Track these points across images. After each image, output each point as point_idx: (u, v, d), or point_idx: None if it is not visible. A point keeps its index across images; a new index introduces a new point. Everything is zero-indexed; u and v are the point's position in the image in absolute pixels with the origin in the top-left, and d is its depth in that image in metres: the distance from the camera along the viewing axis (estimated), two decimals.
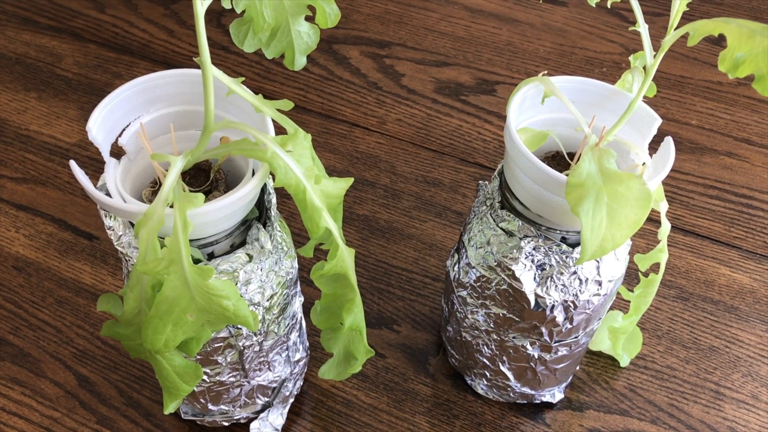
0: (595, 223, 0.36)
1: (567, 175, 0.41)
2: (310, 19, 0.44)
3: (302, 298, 0.47)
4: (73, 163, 0.35)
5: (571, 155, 0.43)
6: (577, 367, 0.53)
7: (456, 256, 0.48)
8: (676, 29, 0.39)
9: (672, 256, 0.61)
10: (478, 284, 0.45)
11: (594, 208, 0.35)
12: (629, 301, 0.54)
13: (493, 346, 0.47)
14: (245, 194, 0.35)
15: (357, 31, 0.82)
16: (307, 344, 0.51)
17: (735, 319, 0.57)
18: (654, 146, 0.41)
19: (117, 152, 0.39)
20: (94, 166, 0.67)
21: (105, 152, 0.38)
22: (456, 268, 0.47)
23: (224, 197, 0.35)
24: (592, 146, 0.37)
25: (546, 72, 0.44)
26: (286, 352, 0.46)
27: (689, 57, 0.80)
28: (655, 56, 0.40)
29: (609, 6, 0.45)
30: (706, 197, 0.66)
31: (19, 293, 0.57)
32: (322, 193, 0.37)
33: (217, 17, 0.84)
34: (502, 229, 0.42)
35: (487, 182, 0.46)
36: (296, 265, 0.43)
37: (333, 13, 0.44)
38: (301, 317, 0.47)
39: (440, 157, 0.69)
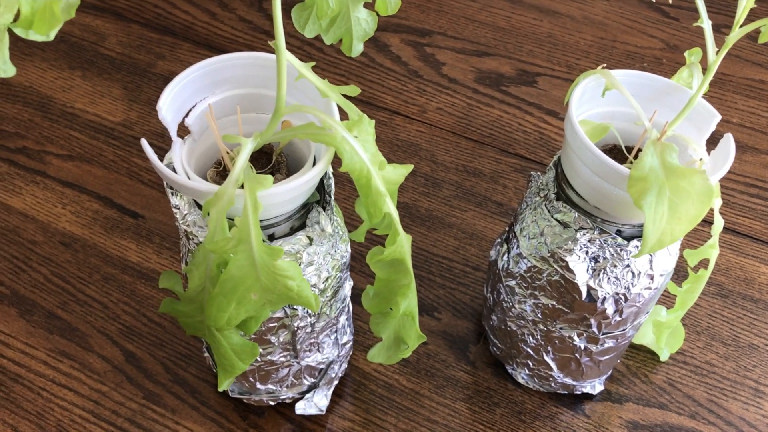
0: (657, 217, 0.36)
1: (629, 168, 0.41)
2: (368, 6, 0.44)
3: (352, 282, 0.47)
4: (144, 142, 0.36)
5: (629, 149, 0.43)
6: (619, 360, 0.53)
7: (505, 246, 0.48)
8: (741, 26, 0.39)
9: None
10: (529, 275, 0.45)
11: (656, 201, 0.36)
12: (673, 297, 0.54)
13: (538, 336, 0.48)
14: (313, 177, 0.36)
15: (397, 19, 0.83)
16: (353, 328, 0.51)
17: None
18: (708, 143, 0.41)
19: (180, 134, 0.40)
20: (138, 146, 0.68)
21: (173, 131, 0.38)
22: (505, 258, 0.47)
23: (293, 179, 0.36)
24: (654, 140, 0.38)
25: (605, 65, 0.44)
26: (335, 334, 0.47)
27: (731, 54, 0.79)
28: (717, 53, 0.40)
29: (655, 2, 0.45)
30: (746, 195, 0.66)
31: (66, 268, 0.58)
32: (384, 179, 0.38)
33: (259, 1, 0.84)
34: (557, 220, 0.43)
35: (540, 173, 0.46)
36: (349, 249, 0.44)
37: (393, 0, 0.44)
38: (349, 301, 0.48)
39: (481, 147, 0.70)
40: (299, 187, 0.36)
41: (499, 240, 0.52)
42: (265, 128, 0.37)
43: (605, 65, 0.44)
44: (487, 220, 0.63)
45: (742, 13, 0.39)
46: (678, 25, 0.83)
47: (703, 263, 0.47)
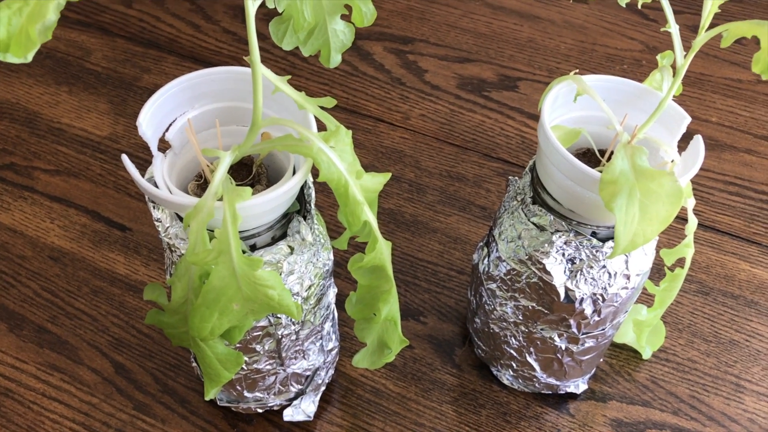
0: (628, 219, 0.37)
1: (600, 171, 0.42)
2: (345, 17, 0.45)
3: (336, 289, 0.48)
4: (125, 158, 0.37)
5: (602, 152, 0.44)
6: (601, 359, 0.54)
7: (485, 249, 0.49)
8: (707, 30, 0.40)
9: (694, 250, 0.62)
10: (508, 277, 0.46)
11: (627, 204, 0.37)
12: (653, 296, 0.55)
13: (520, 338, 0.48)
14: (291, 187, 0.37)
15: (380, 27, 0.84)
16: (339, 334, 0.52)
17: (755, 313, 0.58)
18: (681, 144, 0.42)
19: (162, 147, 0.40)
20: None
21: (153, 146, 0.39)
22: (486, 262, 0.48)
23: (271, 190, 0.36)
24: (624, 144, 0.39)
25: (577, 71, 0.45)
26: (320, 341, 0.47)
27: (709, 54, 0.81)
28: (685, 56, 0.41)
29: (640, 6, 0.46)
30: (726, 194, 0.67)
31: (55, 282, 0.59)
32: (362, 188, 0.38)
33: (242, 13, 0.85)
34: (533, 223, 0.43)
35: (517, 178, 0.47)
36: (332, 257, 0.45)
37: (369, 12, 0.45)
38: (334, 308, 0.49)
39: (464, 153, 0.71)
40: (277, 198, 0.37)
41: (481, 243, 0.53)
42: (243, 141, 0.37)
43: (577, 71, 0.45)
44: (470, 224, 0.64)
45: (707, 17, 0.40)
46: (657, 27, 0.84)
47: (680, 262, 0.47)
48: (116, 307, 0.58)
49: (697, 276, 0.61)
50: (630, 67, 0.79)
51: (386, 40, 0.82)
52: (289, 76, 0.38)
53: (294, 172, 0.40)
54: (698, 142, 0.41)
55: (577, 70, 0.46)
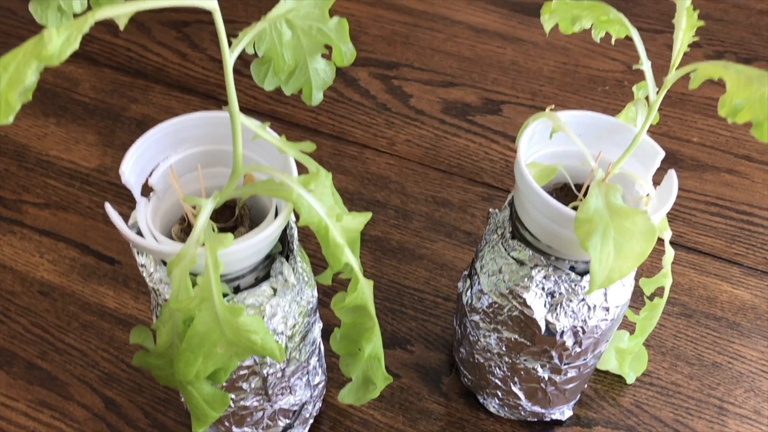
0: (603, 257, 0.38)
1: (575, 208, 0.43)
2: (326, 55, 0.46)
3: (321, 324, 0.49)
4: (108, 207, 0.37)
5: (579, 187, 0.45)
6: (585, 386, 0.55)
7: (468, 281, 0.50)
8: (677, 68, 0.41)
9: (675, 273, 0.63)
10: (491, 310, 0.47)
11: (602, 242, 0.37)
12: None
13: (504, 368, 0.49)
14: (271, 233, 0.37)
15: (365, 53, 0.84)
16: (325, 366, 0.53)
17: (737, 335, 0.59)
18: (659, 176, 0.43)
19: (145, 190, 0.41)
20: (113, 191, 0.69)
21: (136, 193, 0.40)
22: (469, 293, 0.49)
23: (251, 236, 0.37)
24: (598, 181, 0.39)
25: (553, 106, 0.46)
26: (307, 376, 0.48)
27: (689, 74, 0.82)
28: (658, 92, 0.42)
29: (613, 43, 0.47)
30: (707, 214, 0.68)
31: (45, 318, 0.60)
32: (343, 229, 0.39)
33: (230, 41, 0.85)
34: (513, 258, 0.44)
35: (497, 211, 0.48)
36: (316, 294, 0.45)
37: (349, 51, 0.46)
38: (320, 342, 0.49)
39: (449, 178, 0.71)
40: (258, 243, 0.37)
41: (465, 273, 0.54)
42: (225, 187, 0.38)
43: (553, 106, 0.46)
44: (456, 250, 0.65)
45: (677, 55, 0.41)
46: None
47: (659, 291, 0.48)
48: (106, 341, 0.58)
49: (679, 299, 0.62)
50: (612, 88, 0.81)
51: (371, 65, 0.83)
52: (269, 123, 0.39)
53: (276, 214, 0.41)
54: (671, 178, 0.41)
55: (553, 106, 0.46)
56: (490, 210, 0.48)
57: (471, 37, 0.87)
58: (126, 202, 0.68)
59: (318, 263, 0.62)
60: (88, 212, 0.67)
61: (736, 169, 0.72)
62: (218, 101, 0.78)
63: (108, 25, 0.88)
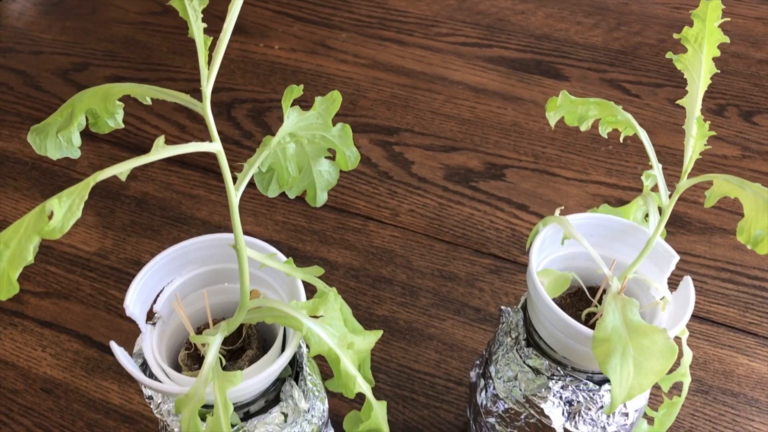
0: (623, 377, 0.37)
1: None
2: (330, 156, 0.45)
3: (332, 430, 0.47)
4: (114, 346, 0.36)
5: (592, 289, 0.44)
6: None
7: (482, 381, 0.48)
8: (689, 177, 0.40)
9: (690, 345, 0.62)
10: (507, 415, 0.45)
11: (621, 363, 0.36)
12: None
13: None
14: (280, 366, 0.36)
15: (365, 118, 0.84)
16: None
17: (756, 412, 0.58)
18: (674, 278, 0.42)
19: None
20: (114, 276, 0.68)
21: (141, 323, 0.39)
22: (483, 395, 0.48)
23: (260, 370, 0.36)
24: (615, 294, 0.38)
25: (562, 207, 0.45)
26: None
27: None
28: (670, 197, 0.41)
29: (621, 140, 0.46)
30: (719, 281, 0.67)
31: (49, 417, 0.58)
32: (354, 353, 0.38)
33: (228, 110, 0.85)
34: (529, 366, 0.43)
35: (510, 309, 0.47)
36: (327, 405, 0.44)
37: (353, 155, 0.45)
38: None
39: (454, 249, 0.70)
40: (269, 376, 0.36)
41: (478, 362, 0.53)
42: (232, 320, 0.37)
43: (563, 207, 0.45)
44: (466, 328, 0.64)
45: (689, 162, 0.40)
46: (640, 102, 0.84)
47: (678, 384, 0.47)
48: None
49: (695, 373, 0.60)
50: (615, 148, 0.80)
51: (372, 131, 0.82)
52: (276, 252, 0.38)
53: (284, 336, 0.40)
54: (688, 285, 0.41)
55: (563, 207, 0.46)
56: (502, 308, 0.47)
57: (470, 97, 0.86)
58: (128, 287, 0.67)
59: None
60: (90, 300, 0.66)
61: None
62: (220, 175, 0.78)
63: None
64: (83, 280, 0.68)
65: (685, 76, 0.41)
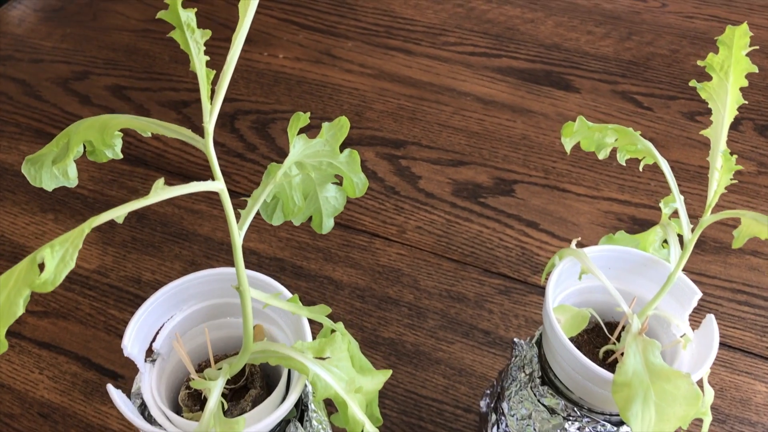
0: (645, 424, 0.35)
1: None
2: (337, 182, 0.43)
3: None
4: (111, 389, 0.35)
5: (610, 324, 0.42)
6: None
7: (494, 415, 0.47)
8: (713, 212, 0.38)
9: None
10: None
11: (642, 409, 0.35)
12: None
13: None
14: (284, 411, 0.35)
15: (371, 130, 0.82)
16: None
17: None
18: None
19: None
20: (114, 295, 0.67)
21: (140, 362, 0.37)
22: (495, 431, 0.46)
23: (263, 415, 0.34)
24: (635, 335, 0.37)
25: (578, 239, 0.43)
26: None
27: (706, 145, 0.79)
28: (693, 230, 0.40)
29: (623, 163, 0.45)
30: (734, 303, 0.65)
31: None
32: (363, 395, 0.36)
33: (231, 121, 0.83)
34: (544, 405, 0.41)
35: (523, 343, 0.45)
36: None
37: (361, 182, 0.43)
38: None
39: (463, 268, 0.69)
40: (272, 422, 0.35)
41: (488, 391, 0.51)
42: (235, 362, 0.36)
43: (579, 239, 0.43)
44: (475, 352, 0.62)
45: (713, 197, 0.38)
46: (652, 115, 0.83)
47: (697, 421, 0.45)
48: None
49: (712, 402, 0.58)
50: (627, 162, 0.78)
51: (378, 144, 0.81)
52: (281, 291, 0.36)
53: (289, 372, 0.38)
54: (711, 324, 0.39)
55: (579, 239, 0.44)
56: (515, 340, 0.46)
57: (479, 109, 0.84)
58: (128, 308, 0.65)
59: None
60: (89, 320, 0.65)
61: (761, 250, 0.69)
62: None
63: (105, 108, 0.86)
64: (82, 299, 0.66)
65: (709, 106, 0.40)
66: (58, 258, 0.26)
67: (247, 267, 0.35)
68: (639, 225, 0.72)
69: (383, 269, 0.69)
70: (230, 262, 0.64)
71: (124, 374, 0.61)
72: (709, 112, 0.39)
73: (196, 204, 0.74)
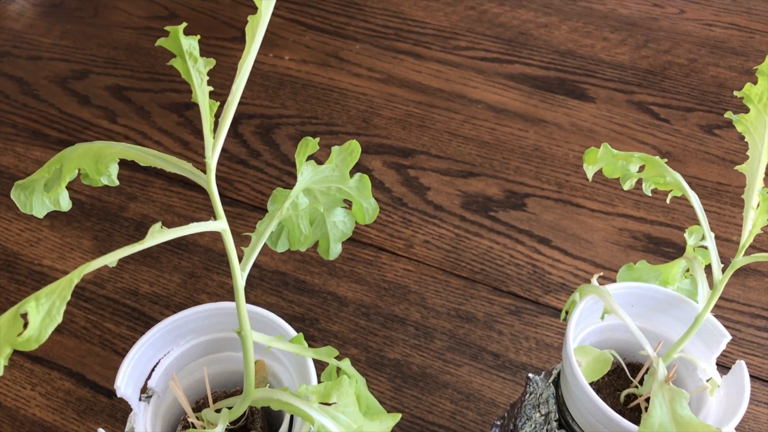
0: None
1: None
2: (345, 206, 0.41)
3: None
4: None
5: (633, 365, 0.40)
6: None
7: None
8: (746, 254, 0.36)
9: None
10: None
11: None
12: None
13: None
14: None
15: (379, 138, 0.80)
16: None
17: None
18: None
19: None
20: (111, 308, 0.64)
21: (134, 402, 0.35)
22: None
23: None
24: (662, 383, 0.34)
25: (600, 273, 0.41)
26: None
27: (725, 160, 0.77)
28: (724, 271, 0.37)
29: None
30: (753, 329, 0.63)
31: None
32: None
33: (234, 125, 0.81)
34: None
35: (538, 379, 0.43)
36: None
37: (371, 208, 0.41)
38: None
39: (472, 286, 0.66)
40: None
41: (498, 422, 0.49)
42: (235, 408, 0.33)
43: (601, 273, 0.41)
44: (483, 375, 0.60)
45: (747, 238, 0.36)
46: (669, 128, 0.80)
47: None
48: None
49: None
50: None
51: (385, 152, 0.78)
52: (285, 332, 0.34)
53: (290, 421, 0.36)
54: (741, 370, 0.36)
55: (601, 273, 0.42)
56: (530, 375, 0.43)
57: (490, 118, 0.82)
58: (124, 321, 0.63)
59: None
60: (84, 334, 0.63)
61: None
62: (223, 198, 0.74)
63: (104, 109, 0.84)
64: (77, 311, 0.64)
65: (745, 139, 0.37)
66: (44, 312, 0.24)
67: (248, 281, 0.33)
68: (654, 244, 0.69)
69: (389, 285, 0.66)
70: (230, 273, 0.62)
71: None
72: (728, 125, 0.37)
73: (197, 212, 0.72)
